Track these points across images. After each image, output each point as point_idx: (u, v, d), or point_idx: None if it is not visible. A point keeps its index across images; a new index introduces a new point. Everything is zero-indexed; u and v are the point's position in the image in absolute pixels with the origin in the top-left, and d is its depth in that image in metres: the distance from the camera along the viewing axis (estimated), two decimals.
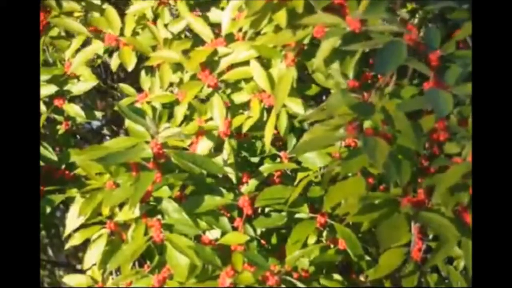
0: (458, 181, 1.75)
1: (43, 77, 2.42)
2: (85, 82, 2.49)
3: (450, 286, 1.90)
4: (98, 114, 2.61)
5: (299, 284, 1.89)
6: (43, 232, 2.49)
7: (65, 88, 2.48)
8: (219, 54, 2.21)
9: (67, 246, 2.17)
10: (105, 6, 2.49)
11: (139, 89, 2.42)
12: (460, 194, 1.76)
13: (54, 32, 2.55)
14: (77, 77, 2.49)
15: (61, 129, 2.51)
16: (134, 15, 2.47)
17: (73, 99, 2.50)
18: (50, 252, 2.71)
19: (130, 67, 2.41)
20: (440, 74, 1.86)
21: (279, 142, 2.22)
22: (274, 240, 2.14)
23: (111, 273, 2.20)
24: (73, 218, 2.14)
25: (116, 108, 2.33)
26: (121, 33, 2.45)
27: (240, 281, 1.90)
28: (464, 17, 2.07)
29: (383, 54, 1.79)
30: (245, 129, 2.18)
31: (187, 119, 2.26)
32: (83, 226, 2.15)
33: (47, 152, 2.39)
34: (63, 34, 2.55)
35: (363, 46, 1.89)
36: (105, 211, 2.11)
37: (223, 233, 2.06)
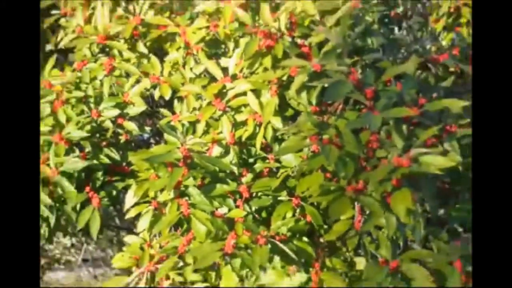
0: (384, 176, 1.76)
1: (110, 103, 2.43)
2: (138, 107, 2.49)
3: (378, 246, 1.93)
4: (147, 129, 2.61)
5: (279, 244, 1.92)
6: (111, 207, 2.46)
7: (125, 111, 2.48)
8: (226, 87, 2.22)
9: (126, 217, 2.17)
10: (151, 55, 2.51)
11: (173, 112, 2.41)
12: (386, 184, 1.76)
13: (117, 73, 2.55)
14: (133, 104, 2.49)
15: (122, 139, 2.50)
16: (170, 62, 2.49)
17: (130, 119, 2.49)
18: (117, 220, 2.69)
19: (167, 97, 2.42)
20: (373, 103, 1.87)
21: (267, 148, 2.22)
22: (263, 214, 2.15)
23: (155, 236, 2.21)
24: (130, 198, 2.15)
25: (158, 125, 2.38)
26: (161, 74, 2.47)
27: (240, 242, 1.93)
28: (387, 66, 2.08)
29: (333, 88, 1.85)
30: (244, 138, 2.20)
31: (205, 132, 2.26)
32: (136, 204, 2.15)
33: (113, 154, 2.42)
34: (123, 74, 2.55)
35: (322, 82, 1.91)
36: (151, 194, 2.12)
37: (229, 210, 2.09)
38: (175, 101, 2.44)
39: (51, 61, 2.61)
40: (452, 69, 2.41)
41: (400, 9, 2.69)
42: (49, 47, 2.85)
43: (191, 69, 2.43)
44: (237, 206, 2.10)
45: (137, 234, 2.23)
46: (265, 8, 2.23)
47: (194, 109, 2.33)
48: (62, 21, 2.68)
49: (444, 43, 2.70)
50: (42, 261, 3.81)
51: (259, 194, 2.12)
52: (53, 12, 2.69)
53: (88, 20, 2.61)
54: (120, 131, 2.49)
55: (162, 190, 2.09)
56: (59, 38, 2.67)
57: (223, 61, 2.32)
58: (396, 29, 2.63)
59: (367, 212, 1.85)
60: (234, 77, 2.26)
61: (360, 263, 2.02)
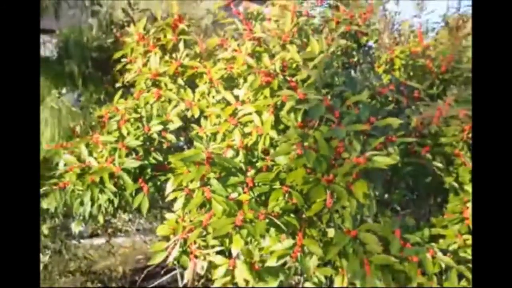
0: (347, 171, 1.76)
1: (157, 121, 2.41)
2: (176, 123, 2.44)
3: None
4: (182, 138, 2.59)
5: (274, 219, 1.86)
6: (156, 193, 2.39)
7: (167, 126, 2.43)
8: (238, 109, 2.18)
9: (166, 200, 2.11)
10: (186, 87, 2.49)
11: (200, 126, 2.37)
12: (348, 177, 1.76)
13: (163, 99, 2.51)
14: (172, 121, 2.44)
15: (165, 146, 2.46)
16: (199, 92, 2.45)
17: (170, 132, 2.44)
18: (160, 202, 2.63)
19: (196, 116, 2.38)
20: (339, 120, 1.88)
21: (265, 152, 2.16)
22: (263, 198, 2.06)
23: (186, 213, 2.14)
24: (169, 187, 2.07)
25: (190, 135, 2.35)
26: (193, 100, 2.44)
27: (246, 217, 1.88)
28: (349, 96, 2.06)
29: (312, 110, 1.85)
30: (249, 145, 2.14)
31: (222, 140, 2.22)
32: (173, 191, 2.08)
33: (158, 156, 2.38)
34: (167, 100, 2.51)
35: (304, 106, 1.88)
36: (184, 183, 2.04)
37: (239, 195, 2.01)
38: (202, 119, 2.40)
39: (119, 94, 2.60)
40: (390, 99, 2.45)
41: (355, 59, 2.67)
42: (118, 84, 2.79)
43: (213, 97, 2.39)
44: (244, 192, 2.03)
45: (174, 212, 2.16)
46: (265, 56, 2.27)
47: (215, 124, 2.30)
48: (128, 66, 2.65)
49: (384, 81, 2.70)
50: (109, 230, 3.78)
51: (260, 184, 2.05)
52: (122, 60, 2.65)
53: (145, 64, 2.59)
54: (163, 140, 2.44)
55: (191, 181, 2.02)
56: (125, 78, 2.64)
57: (236, 92, 2.28)
58: (353, 71, 2.62)
59: (336, 196, 1.81)
60: (243, 102, 2.22)
61: (331, 232, 1.96)
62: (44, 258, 3.25)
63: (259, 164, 2.15)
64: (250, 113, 2.13)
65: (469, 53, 4.07)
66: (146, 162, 2.34)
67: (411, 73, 2.90)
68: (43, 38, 3.27)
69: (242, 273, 1.92)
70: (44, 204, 2.33)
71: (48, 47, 3.24)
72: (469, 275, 2.03)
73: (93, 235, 3.88)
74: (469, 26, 3.97)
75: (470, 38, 3.76)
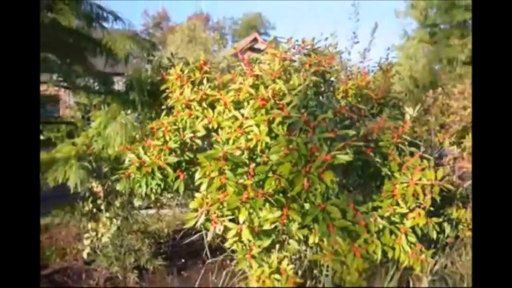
0: (319, 165, 1.69)
1: (189, 131, 2.29)
2: (202, 132, 2.34)
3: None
4: (205, 143, 2.46)
5: (268, 197, 1.78)
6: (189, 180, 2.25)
7: (196, 134, 2.32)
8: (243, 123, 2.08)
9: (195, 184, 2.01)
10: (208, 108, 2.39)
11: (218, 134, 2.25)
12: (319, 169, 1.67)
13: (193, 116, 2.40)
14: (199, 131, 2.34)
15: (194, 147, 2.34)
16: (217, 111, 2.35)
17: (198, 138, 2.32)
18: (191, 186, 2.53)
19: (215, 127, 2.29)
20: (313, 131, 1.81)
21: (262, 151, 2.04)
22: (260, 183, 1.95)
23: (209, 193, 2.01)
24: (197, 175, 2.00)
25: (211, 141, 2.25)
26: (212, 116, 2.34)
27: (249, 196, 1.79)
28: (319, 114, 1.97)
29: (294, 123, 1.78)
30: (251, 147, 2.04)
31: (233, 144, 2.10)
32: (199, 178, 1.99)
33: (190, 154, 2.27)
34: (195, 116, 2.39)
35: (289, 121, 1.83)
36: (207, 173, 1.95)
37: (244, 181, 1.91)
38: (219, 130, 2.30)
39: (164, 113, 2.51)
40: (346, 116, 2.36)
41: (322, 89, 2.59)
42: (163, 107, 2.71)
43: (226, 114, 2.29)
44: (248, 179, 1.93)
45: (200, 192, 2.05)
46: (261, 87, 2.17)
47: (228, 133, 2.19)
48: (170, 94, 2.55)
49: (342, 104, 2.62)
50: (158, 204, 3.69)
51: (258, 173, 1.94)
52: (166, 90, 2.58)
53: (181, 93, 2.50)
54: (193, 144, 2.34)
55: (212, 171, 1.93)
56: (168, 103, 2.55)
57: (242, 111, 2.17)
58: (321, 97, 2.53)
59: (311, 181, 1.72)
60: (246, 118, 2.12)
61: (307, 206, 1.87)
62: (117, 222, 3.16)
63: (258, 160, 2.05)
64: (251, 125, 2.05)
65: (396, 86, 4.02)
66: (182, 158, 2.25)
67: (359, 99, 2.86)
68: (116, 78, 3.21)
69: (246, 235, 1.83)
70: (117, 187, 2.28)
71: (120, 84, 3.18)
72: (397, 232, 1.99)
73: (147, 207, 3.78)
74: (394, 69, 3.91)
75: (395, 77, 3.72)
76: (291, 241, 1.97)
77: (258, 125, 2.03)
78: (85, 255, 3.07)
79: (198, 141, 2.32)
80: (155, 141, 2.28)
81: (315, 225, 1.80)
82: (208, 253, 2.73)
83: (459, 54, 7.69)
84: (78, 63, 2.96)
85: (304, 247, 2.28)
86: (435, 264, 2.40)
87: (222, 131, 2.25)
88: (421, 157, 2.18)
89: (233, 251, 2.17)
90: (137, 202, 3.29)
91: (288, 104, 2.00)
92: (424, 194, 2.02)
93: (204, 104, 2.41)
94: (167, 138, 2.29)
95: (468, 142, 3.12)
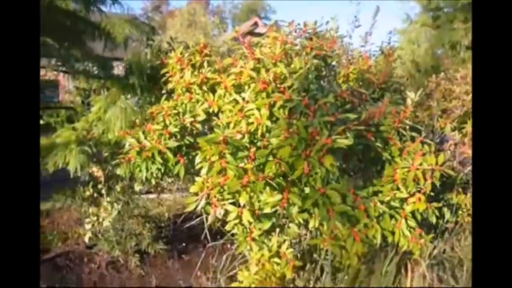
0: (319, 148, 1.69)
1: (189, 115, 2.28)
2: (202, 116, 2.31)
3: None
4: (206, 127, 2.44)
5: (269, 180, 1.78)
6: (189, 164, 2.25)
7: (196, 118, 2.30)
8: (244, 107, 2.07)
9: (196, 168, 2.02)
10: (209, 92, 2.36)
11: (218, 118, 2.25)
12: (320, 153, 1.67)
13: (194, 100, 2.37)
14: (199, 115, 2.33)
15: (195, 131, 2.33)
16: (218, 95, 2.32)
17: (198, 122, 2.31)
18: (191, 170, 2.54)
19: (215, 111, 2.27)
20: (314, 114, 1.79)
21: (263, 135, 2.03)
22: (261, 167, 1.94)
23: (209, 177, 2.01)
24: (198, 159, 2.00)
25: (211, 124, 2.24)
26: (213, 100, 2.30)
27: (250, 180, 1.79)
28: (320, 97, 1.97)
29: (295, 107, 1.75)
30: (252, 130, 2.03)
31: (233, 127, 2.10)
32: (200, 162, 1.99)
33: (190, 139, 2.26)
34: (195, 100, 2.37)
35: (290, 104, 1.79)
36: (207, 157, 1.93)
37: (245, 164, 1.91)
38: (219, 113, 2.29)
39: (164, 97, 2.49)
40: (347, 100, 2.32)
41: (323, 73, 2.56)
42: (163, 91, 2.68)
43: (227, 98, 2.26)
44: (248, 163, 1.93)
45: (201, 176, 2.05)
46: (262, 70, 2.15)
47: (228, 117, 2.18)
48: (170, 78, 2.53)
49: (343, 88, 2.60)
50: (159, 189, 3.71)
51: (259, 157, 1.94)
52: (166, 74, 2.54)
53: (181, 77, 2.46)
54: (193, 128, 2.32)
55: (213, 155, 1.92)
56: (168, 86, 2.53)
57: (242, 94, 2.16)
58: (322, 81, 2.51)
59: (311, 165, 1.72)
60: (247, 102, 2.10)
61: (307, 190, 1.87)
62: (118, 207, 3.18)
63: (258, 144, 2.05)
64: (252, 109, 2.03)
65: (397, 70, 3.98)
66: (182, 143, 2.24)
67: (361, 83, 2.83)
68: (116, 63, 3.18)
69: (246, 217, 1.84)
70: (117, 171, 2.28)
71: (119, 68, 3.15)
72: (397, 217, 2.00)
73: (148, 192, 3.80)
74: (396, 54, 3.87)
75: (397, 61, 3.67)
76: (291, 225, 1.99)
77: (259, 109, 2.02)
78: (86, 239, 3.11)
79: (198, 125, 2.31)
80: (155, 125, 2.26)
81: (315, 210, 1.80)
82: (209, 237, 2.76)
83: (462, 38, 7.56)
84: (76, 47, 2.92)
85: (304, 231, 2.29)
86: (434, 249, 2.42)
87: (223, 115, 2.23)
88: (422, 142, 2.18)
89: (233, 235, 2.19)
90: (137, 187, 3.31)
91: (289, 87, 1.98)
92: (425, 179, 2.02)
93: (204, 88, 2.38)
94: (167, 122, 2.27)
95: (469, 127, 3.11)
